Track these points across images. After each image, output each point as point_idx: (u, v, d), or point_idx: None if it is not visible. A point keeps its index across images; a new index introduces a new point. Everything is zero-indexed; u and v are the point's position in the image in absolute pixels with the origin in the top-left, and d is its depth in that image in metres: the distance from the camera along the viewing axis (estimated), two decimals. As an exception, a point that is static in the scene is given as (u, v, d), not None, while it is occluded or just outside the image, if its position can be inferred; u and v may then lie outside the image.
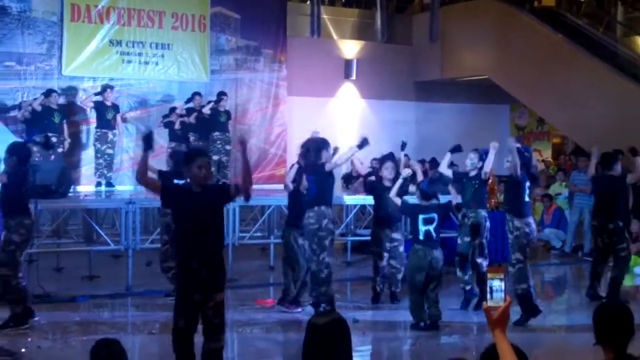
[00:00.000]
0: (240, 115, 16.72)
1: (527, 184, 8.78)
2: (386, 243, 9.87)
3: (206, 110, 14.94)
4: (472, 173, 9.47)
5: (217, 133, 15.02)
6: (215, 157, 14.32)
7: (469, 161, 9.57)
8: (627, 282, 12.17)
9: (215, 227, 6.12)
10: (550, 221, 15.04)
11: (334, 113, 18.43)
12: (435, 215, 8.58)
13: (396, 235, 9.85)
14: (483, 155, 9.40)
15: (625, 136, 14.49)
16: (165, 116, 14.94)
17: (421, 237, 8.55)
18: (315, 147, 8.97)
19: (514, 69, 17.12)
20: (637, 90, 15.16)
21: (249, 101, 17.05)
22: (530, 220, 8.77)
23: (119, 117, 14.57)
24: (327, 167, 8.89)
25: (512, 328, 8.18)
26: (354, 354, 3.51)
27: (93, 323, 8.83)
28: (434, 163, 14.82)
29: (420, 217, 8.55)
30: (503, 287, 3.13)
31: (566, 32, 16.65)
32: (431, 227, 8.54)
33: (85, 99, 14.76)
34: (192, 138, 14.61)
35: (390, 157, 10.24)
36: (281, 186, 10.64)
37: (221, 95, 15.32)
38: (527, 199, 8.78)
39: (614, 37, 17.41)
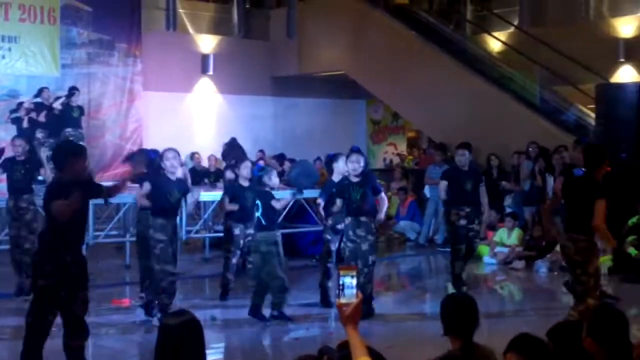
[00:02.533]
0: (93, 111, 16.27)
1: None
2: (241, 240, 9.82)
3: (57, 105, 14.44)
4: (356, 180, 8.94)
5: (69, 129, 14.50)
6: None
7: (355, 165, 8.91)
8: (478, 270, 12.66)
9: (85, 222, 6.26)
10: (405, 214, 15.39)
11: (191, 108, 18.23)
12: (258, 202, 8.71)
13: (251, 231, 9.80)
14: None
15: (474, 131, 15.05)
16: (12, 111, 14.37)
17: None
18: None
19: (369, 65, 17.42)
20: (486, 87, 15.72)
21: (103, 96, 16.63)
22: None
23: None
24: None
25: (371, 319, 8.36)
26: (210, 351, 3.48)
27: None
28: (282, 158, 14.94)
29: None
30: (354, 284, 3.17)
31: (419, 29, 17.07)
32: (258, 214, 8.64)
33: None
34: (40, 135, 14.02)
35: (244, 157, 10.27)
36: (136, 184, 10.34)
37: (73, 90, 14.83)
38: None
39: (464, 35, 18.00)
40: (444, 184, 10.14)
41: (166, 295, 8.49)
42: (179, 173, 8.88)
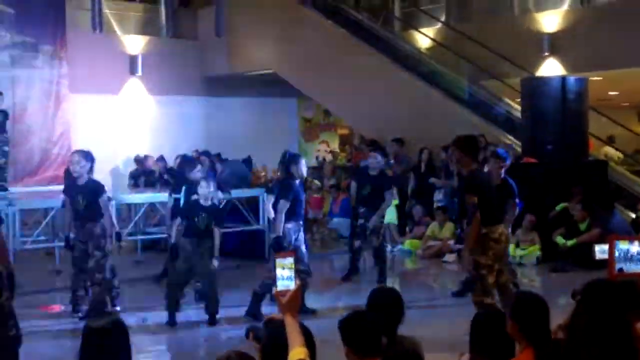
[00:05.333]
0: (18, 115, 15.91)
1: None
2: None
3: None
4: None
5: (-7, 134, 14.17)
6: (-8, 159, 13.54)
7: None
8: (410, 264, 12.78)
9: None
10: (338, 211, 15.43)
11: (119, 110, 17.97)
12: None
13: None
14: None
15: (405, 126, 15.19)
16: None
17: None
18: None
19: (299, 63, 17.42)
20: (415, 83, 15.86)
21: (28, 100, 16.29)
22: None
23: None
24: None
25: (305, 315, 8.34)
26: (141, 355, 3.41)
27: None
28: (220, 157, 14.84)
29: None
30: (292, 273, 3.15)
31: (348, 27, 17.13)
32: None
33: None
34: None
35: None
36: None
37: (-4, 93, 14.47)
38: None
39: (392, 32, 18.12)
40: (353, 185, 11.04)
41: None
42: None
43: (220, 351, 3.41)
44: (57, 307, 9.58)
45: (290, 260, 3.19)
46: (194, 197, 8.98)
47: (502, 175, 8.73)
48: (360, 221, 10.65)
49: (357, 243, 10.90)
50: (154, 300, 9.93)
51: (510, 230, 9.72)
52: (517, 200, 8.90)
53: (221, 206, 10.41)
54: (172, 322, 8.61)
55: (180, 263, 8.68)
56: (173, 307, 8.69)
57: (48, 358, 7.82)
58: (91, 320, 3.51)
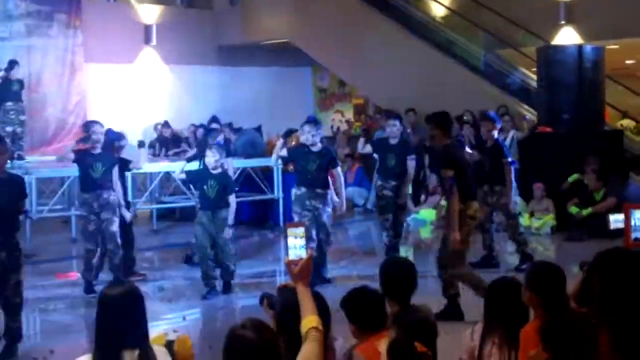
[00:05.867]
0: (34, 84, 15.98)
1: None
2: None
3: (-5, 79, 14.13)
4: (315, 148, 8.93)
5: (9, 103, 14.17)
6: (8, 129, 13.60)
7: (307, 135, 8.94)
8: (424, 235, 12.80)
9: (15, 210, 6.70)
10: (353, 180, 15.45)
11: (134, 80, 17.98)
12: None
13: None
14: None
15: (420, 96, 15.13)
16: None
17: None
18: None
19: (313, 32, 17.35)
20: (430, 52, 15.78)
21: (44, 69, 16.32)
22: None
23: None
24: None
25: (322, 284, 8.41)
26: (159, 322, 3.44)
27: None
28: (231, 126, 14.85)
29: None
30: (303, 242, 3.18)
31: (362, -5, 17.03)
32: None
33: None
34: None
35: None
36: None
37: (12, 63, 14.47)
38: None
39: (407, 1, 17.98)
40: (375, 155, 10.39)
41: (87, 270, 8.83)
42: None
43: (236, 319, 3.45)
44: (74, 275, 9.67)
45: (301, 230, 3.22)
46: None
47: (495, 137, 9.38)
48: (388, 193, 9.91)
49: (387, 239, 10.00)
50: (169, 269, 10.06)
51: (517, 198, 9.84)
52: (509, 159, 9.26)
53: (235, 175, 10.46)
54: (205, 296, 8.54)
55: (200, 236, 8.62)
56: (208, 281, 8.60)
57: (64, 325, 7.89)
58: (107, 288, 3.54)
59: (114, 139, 9.55)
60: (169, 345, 3.57)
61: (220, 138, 9.80)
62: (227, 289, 8.73)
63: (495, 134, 9.45)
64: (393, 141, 10.03)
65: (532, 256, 9.40)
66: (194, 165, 9.87)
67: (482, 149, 9.74)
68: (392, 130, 10.06)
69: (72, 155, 9.04)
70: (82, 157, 8.90)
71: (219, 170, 8.68)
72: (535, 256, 9.53)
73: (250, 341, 2.91)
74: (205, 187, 8.63)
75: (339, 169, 9.14)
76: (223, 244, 8.69)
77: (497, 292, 3.96)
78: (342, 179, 9.28)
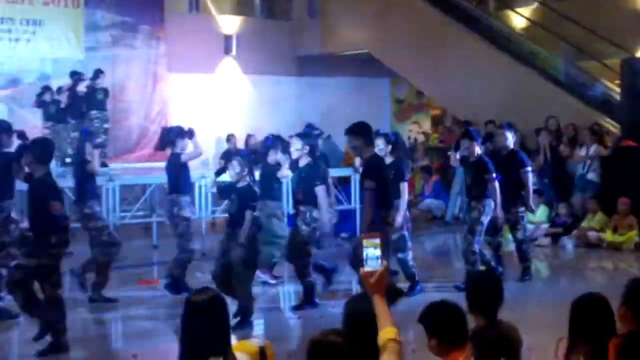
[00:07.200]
0: (118, 93, 16.35)
1: None
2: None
3: (82, 88, 14.53)
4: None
5: (94, 112, 14.56)
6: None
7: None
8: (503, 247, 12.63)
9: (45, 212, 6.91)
10: (430, 192, 15.37)
11: (215, 89, 18.24)
12: None
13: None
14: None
15: (498, 107, 14.96)
16: (38, 95, 14.51)
17: None
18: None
19: (393, 43, 17.33)
20: (510, 63, 15.61)
21: (127, 78, 16.71)
22: None
23: None
24: (182, 158, 9.21)
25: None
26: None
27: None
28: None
29: None
30: (378, 253, 3.18)
31: (442, 7, 16.95)
32: None
33: None
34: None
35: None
36: (162, 164, 10.39)
37: (98, 72, 14.89)
38: None
39: (487, 12, 17.85)
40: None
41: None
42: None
43: (311, 328, 3.47)
44: (156, 281, 9.85)
45: (377, 241, 3.22)
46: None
47: (477, 154, 9.18)
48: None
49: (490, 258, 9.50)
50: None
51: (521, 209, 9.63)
52: (493, 175, 9.05)
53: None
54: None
55: (220, 257, 8.01)
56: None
57: (145, 331, 8.03)
58: (193, 294, 3.60)
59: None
60: (261, 350, 3.61)
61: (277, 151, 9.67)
62: (240, 326, 7.54)
63: (477, 150, 9.20)
64: (503, 152, 9.94)
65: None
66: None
67: (465, 163, 9.57)
68: (504, 140, 9.93)
69: None
70: None
71: (244, 183, 8.00)
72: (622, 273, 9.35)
73: (338, 345, 2.93)
74: (229, 201, 8.29)
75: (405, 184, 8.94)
76: (236, 266, 7.75)
77: (583, 308, 3.89)
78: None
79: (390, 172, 8.33)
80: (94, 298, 8.75)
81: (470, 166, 9.36)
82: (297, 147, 8.74)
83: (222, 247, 8.00)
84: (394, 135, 9.52)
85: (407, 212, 9.19)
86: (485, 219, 9.07)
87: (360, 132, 7.53)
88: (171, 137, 9.53)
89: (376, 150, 8.41)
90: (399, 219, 8.53)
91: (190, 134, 9.42)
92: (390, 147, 8.90)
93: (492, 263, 9.28)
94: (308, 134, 9.44)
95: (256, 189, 8.39)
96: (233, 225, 7.87)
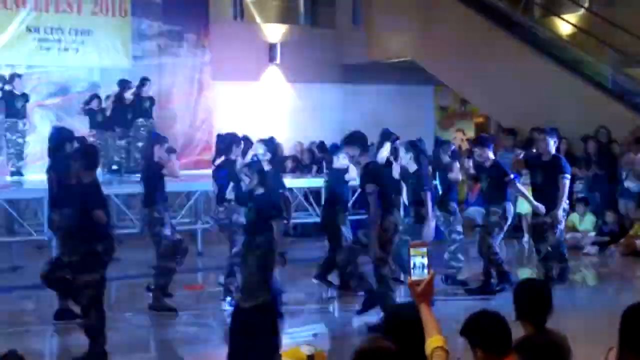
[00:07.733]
0: (164, 101, 16.53)
1: None
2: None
3: (128, 96, 14.73)
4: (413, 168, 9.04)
5: (141, 120, 14.79)
6: (140, 144, 14.16)
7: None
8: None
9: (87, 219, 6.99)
10: (474, 200, 15.28)
11: (259, 97, 18.34)
12: None
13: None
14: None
15: (544, 115, 14.84)
16: (86, 103, 14.75)
17: None
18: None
19: (437, 51, 17.29)
20: (555, 70, 15.47)
21: (173, 86, 16.89)
22: None
23: (29, 107, 14.26)
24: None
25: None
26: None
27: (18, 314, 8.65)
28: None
29: None
30: (426, 262, 3.19)
31: (487, 14, 16.87)
32: None
33: None
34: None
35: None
36: (207, 172, 10.47)
37: (144, 80, 15.09)
38: None
39: (532, 18, 17.72)
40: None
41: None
42: None
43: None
44: (200, 287, 9.92)
45: (424, 249, 3.23)
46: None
47: (491, 158, 9.65)
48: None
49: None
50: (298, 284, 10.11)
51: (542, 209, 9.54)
52: (512, 177, 9.49)
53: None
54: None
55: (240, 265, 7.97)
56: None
57: (190, 336, 8.09)
58: (240, 301, 3.65)
59: None
60: (311, 358, 3.64)
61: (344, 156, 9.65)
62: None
63: (491, 154, 9.72)
64: (545, 157, 9.77)
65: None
66: None
67: (481, 169, 9.85)
68: (546, 145, 9.82)
69: None
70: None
71: (261, 190, 7.79)
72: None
73: (388, 349, 2.94)
74: (247, 209, 8.04)
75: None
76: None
77: (633, 319, 3.82)
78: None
79: (408, 181, 9.05)
80: (154, 306, 8.70)
81: (487, 171, 9.56)
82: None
83: (241, 255, 7.89)
84: (418, 142, 9.53)
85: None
86: (506, 224, 9.48)
87: (355, 141, 7.96)
88: (226, 143, 9.44)
89: (402, 162, 9.04)
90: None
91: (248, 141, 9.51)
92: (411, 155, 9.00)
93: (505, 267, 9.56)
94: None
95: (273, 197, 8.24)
96: (249, 233, 7.76)
